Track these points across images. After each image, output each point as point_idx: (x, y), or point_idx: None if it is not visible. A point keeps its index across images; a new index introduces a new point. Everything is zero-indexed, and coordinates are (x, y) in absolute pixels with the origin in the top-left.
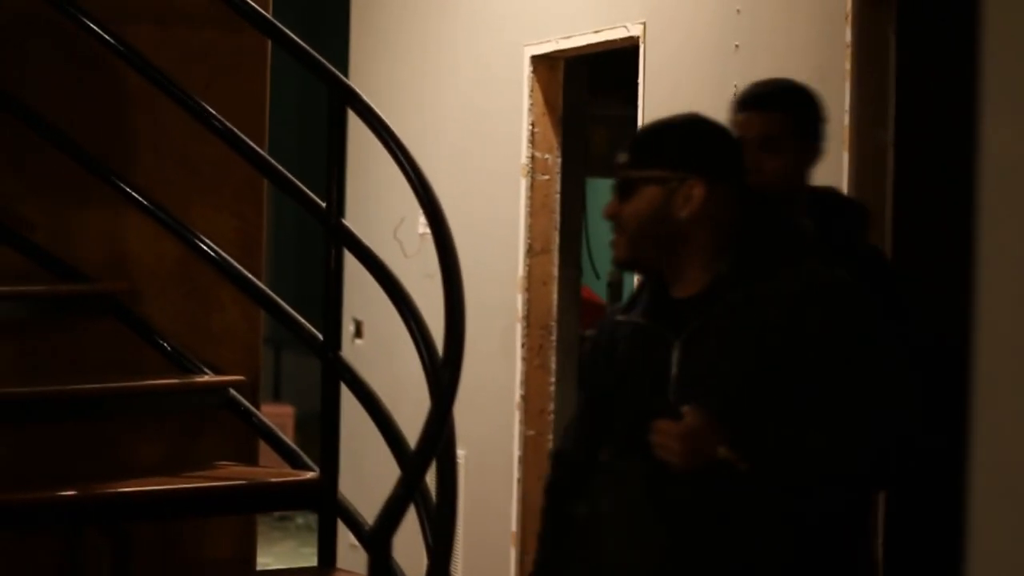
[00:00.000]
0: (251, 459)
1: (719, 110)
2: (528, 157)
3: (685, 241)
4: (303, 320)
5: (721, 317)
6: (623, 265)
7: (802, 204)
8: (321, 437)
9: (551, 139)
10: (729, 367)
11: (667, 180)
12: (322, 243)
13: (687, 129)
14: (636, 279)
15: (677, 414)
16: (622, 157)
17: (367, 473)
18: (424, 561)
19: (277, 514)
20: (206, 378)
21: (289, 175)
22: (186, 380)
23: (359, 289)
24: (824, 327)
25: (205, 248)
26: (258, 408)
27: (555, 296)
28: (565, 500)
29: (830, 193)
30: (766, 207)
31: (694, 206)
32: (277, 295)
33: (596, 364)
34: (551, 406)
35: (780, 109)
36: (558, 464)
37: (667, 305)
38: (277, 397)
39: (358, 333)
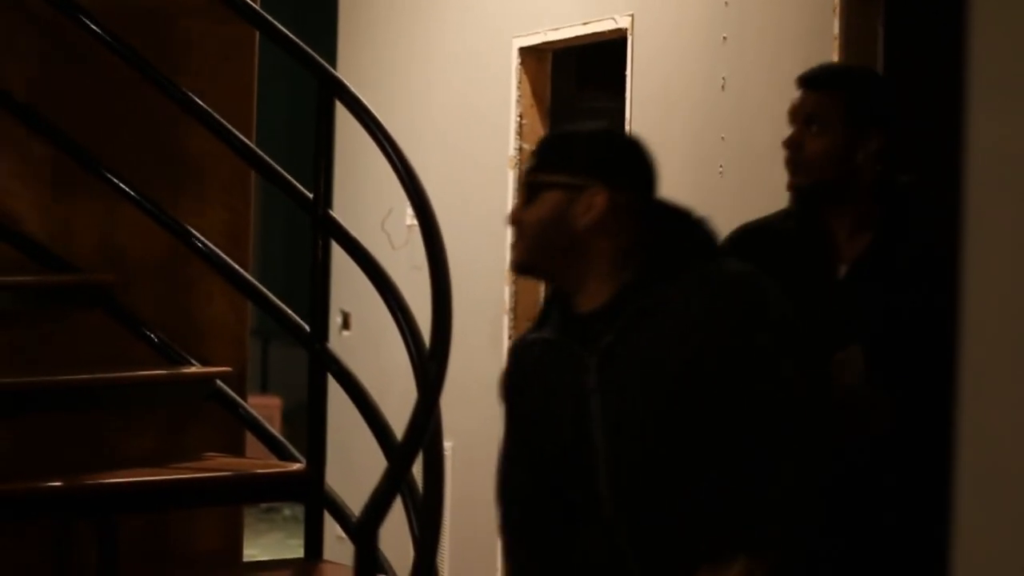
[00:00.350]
0: (238, 450)
1: (707, 102)
2: (516, 149)
3: (587, 251)
4: (290, 312)
5: (631, 328)
6: (519, 269)
7: (851, 190)
8: (308, 429)
9: (539, 131)
10: (647, 380)
11: (569, 186)
12: (310, 235)
13: (594, 138)
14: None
15: (600, 440)
16: (529, 161)
17: (354, 465)
18: (411, 553)
19: (264, 506)
20: (193, 369)
21: (277, 166)
22: (174, 371)
23: (346, 281)
24: (728, 321)
25: (193, 240)
26: (245, 399)
27: (542, 288)
28: (528, 538)
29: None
30: (673, 215)
31: (595, 215)
32: (265, 287)
33: (515, 388)
34: None
35: (830, 88)
36: (508, 503)
37: (575, 320)
38: (264, 389)
39: (345, 325)
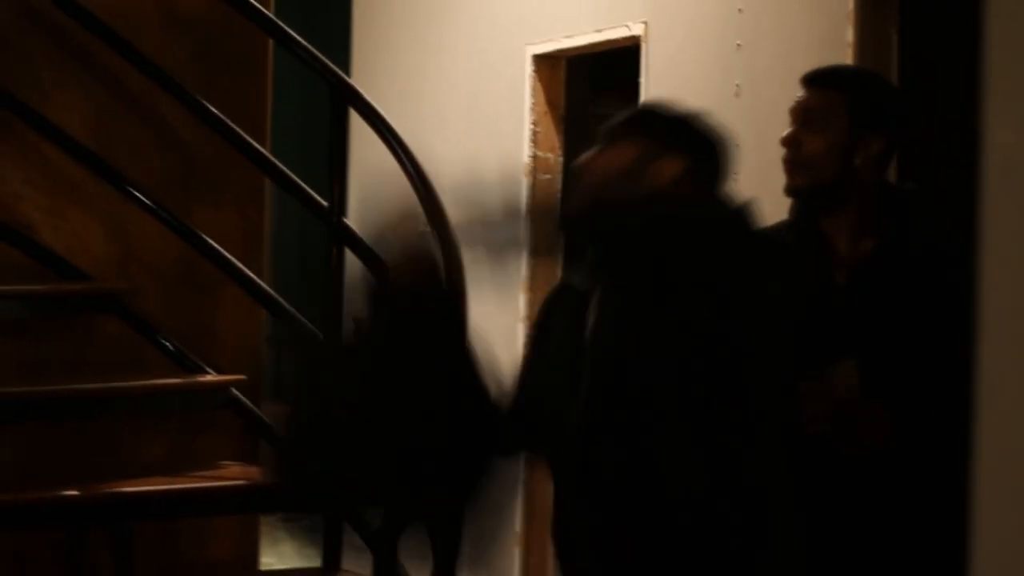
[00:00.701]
0: (252, 458)
1: (721, 109)
2: (530, 156)
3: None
4: (304, 320)
5: (614, 277)
6: (570, 221)
7: (851, 194)
8: None
9: (553, 138)
10: (619, 323)
11: (650, 148)
12: (324, 241)
13: (690, 114)
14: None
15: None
16: (621, 115)
17: None
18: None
19: (282, 514)
20: (208, 377)
21: (291, 174)
22: (188, 380)
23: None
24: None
25: (207, 247)
26: (259, 407)
27: None
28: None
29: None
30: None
31: (662, 181)
32: (279, 293)
33: (539, 325)
34: None
35: (828, 87)
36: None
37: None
38: (279, 396)
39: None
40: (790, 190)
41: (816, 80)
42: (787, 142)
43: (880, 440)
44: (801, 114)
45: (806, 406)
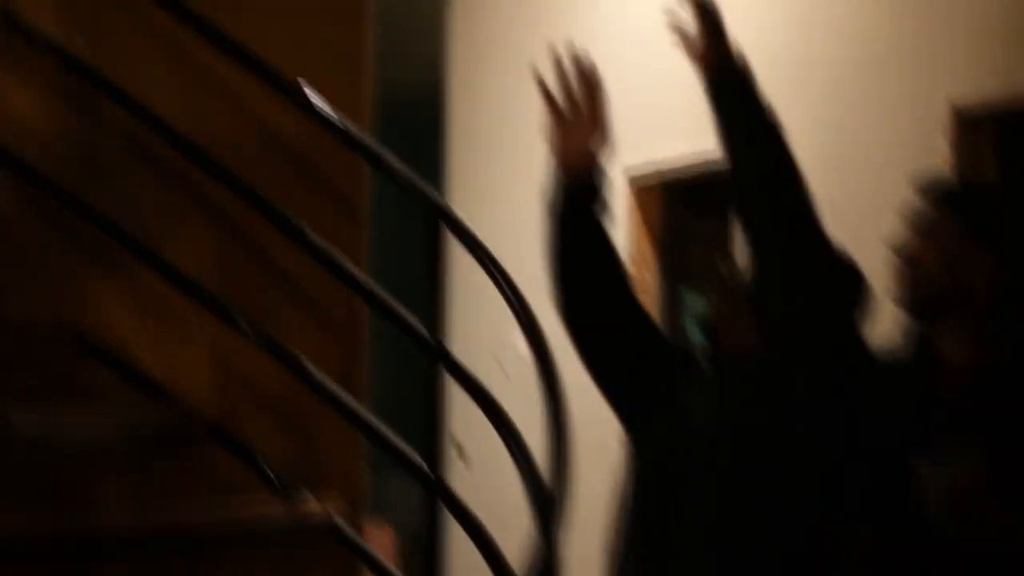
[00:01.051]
0: None
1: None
2: None
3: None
4: (405, 446)
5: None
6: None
7: (964, 308)
8: (424, 566)
9: (649, 257)
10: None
11: None
12: (423, 362)
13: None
14: None
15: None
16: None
17: None
18: None
19: None
20: (310, 507)
21: (390, 300)
22: (290, 509)
23: (461, 409)
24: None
25: (307, 373)
26: (361, 533)
27: None
28: None
29: None
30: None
31: None
32: (376, 414)
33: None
34: None
35: (942, 199)
36: None
37: None
38: (379, 517)
39: (460, 455)
40: (901, 300)
41: (930, 193)
42: (899, 252)
43: (999, 534)
44: (914, 224)
45: (925, 486)
